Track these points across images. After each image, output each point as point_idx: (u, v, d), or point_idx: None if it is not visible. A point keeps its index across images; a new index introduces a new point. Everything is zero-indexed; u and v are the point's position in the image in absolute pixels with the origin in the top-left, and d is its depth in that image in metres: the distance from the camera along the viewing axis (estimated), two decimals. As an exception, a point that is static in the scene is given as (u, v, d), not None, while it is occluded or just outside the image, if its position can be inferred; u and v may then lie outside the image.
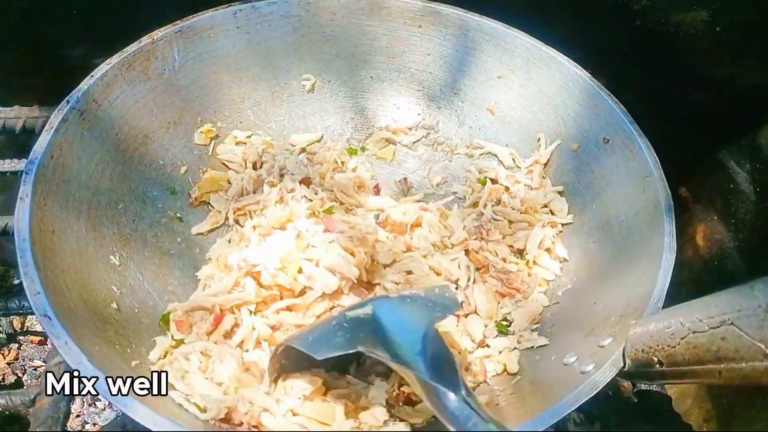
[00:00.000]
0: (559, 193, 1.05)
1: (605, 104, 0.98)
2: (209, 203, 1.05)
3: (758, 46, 1.02)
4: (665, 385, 0.93)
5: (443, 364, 0.68)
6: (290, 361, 0.79)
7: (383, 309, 0.75)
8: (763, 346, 0.59)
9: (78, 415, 0.92)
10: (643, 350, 0.70)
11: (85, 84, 0.91)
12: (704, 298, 0.68)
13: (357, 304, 0.77)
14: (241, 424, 0.75)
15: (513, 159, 1.11)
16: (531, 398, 0.80)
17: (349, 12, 1.12)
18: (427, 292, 0.81)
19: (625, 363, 0.71)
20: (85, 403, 0.94)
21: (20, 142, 1.17)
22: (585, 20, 1.10)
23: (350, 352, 0.71)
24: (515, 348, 0.90)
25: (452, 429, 0.62)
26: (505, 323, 0.94)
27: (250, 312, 0.87)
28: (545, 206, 1.04)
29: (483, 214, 1.05)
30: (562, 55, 1.04)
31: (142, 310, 0.88)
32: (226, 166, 1.10)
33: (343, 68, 1.17)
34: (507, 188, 1.08)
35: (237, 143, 1.11)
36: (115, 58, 0.96)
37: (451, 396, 0.64)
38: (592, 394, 0.68)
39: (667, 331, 0.68)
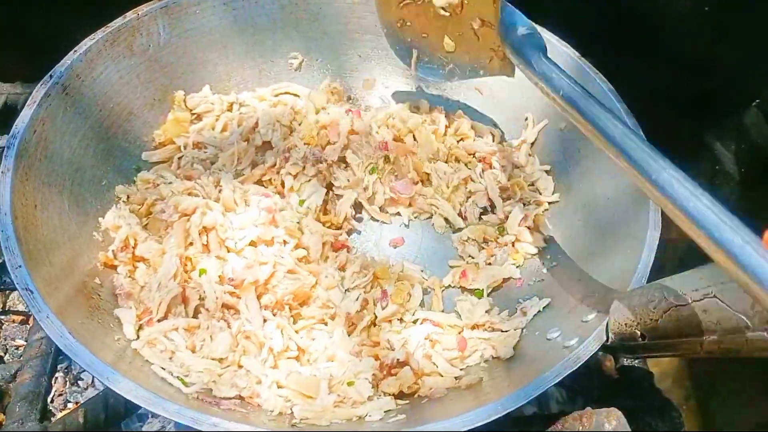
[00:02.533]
0: (546, 171, 1.05)
1: (593, 83, 0.97)
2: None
3: (744, 27, 1.02)
4: (647, 361, 0.94)
5: None
6: None
7: None
8: (744, 318, 0.60)
9: (60, 394, 0.91)
10: (626, 324, 0.70)
11: (69, 59, 0.91)
12: (687, 272, 0.68)
13: None
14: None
15: (501, 138, 1.10)
16: (514, 372, 0.80)
17: (337, -11, 1.11)
18: None
19: (608, 337, 0.72)
20: (68, 382, 0.93)
21: (2, 118, 1.15)
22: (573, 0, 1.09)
23: None
24: (519, 329, 0.88)
25: None
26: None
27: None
28: (532, 185, 1.04)
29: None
30: (551, 33, 1.03)
31: (127, 286, 0.87)
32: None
33: (331, 47, 1.16)
34: (492, 165, 1.07)
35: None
36: (99, 34, 0.95)
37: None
38: (575, 368, 0.68)
39: (650, 305, 0.68)
